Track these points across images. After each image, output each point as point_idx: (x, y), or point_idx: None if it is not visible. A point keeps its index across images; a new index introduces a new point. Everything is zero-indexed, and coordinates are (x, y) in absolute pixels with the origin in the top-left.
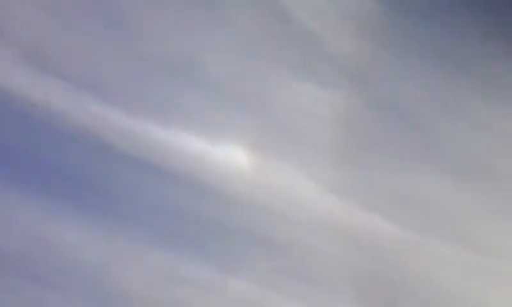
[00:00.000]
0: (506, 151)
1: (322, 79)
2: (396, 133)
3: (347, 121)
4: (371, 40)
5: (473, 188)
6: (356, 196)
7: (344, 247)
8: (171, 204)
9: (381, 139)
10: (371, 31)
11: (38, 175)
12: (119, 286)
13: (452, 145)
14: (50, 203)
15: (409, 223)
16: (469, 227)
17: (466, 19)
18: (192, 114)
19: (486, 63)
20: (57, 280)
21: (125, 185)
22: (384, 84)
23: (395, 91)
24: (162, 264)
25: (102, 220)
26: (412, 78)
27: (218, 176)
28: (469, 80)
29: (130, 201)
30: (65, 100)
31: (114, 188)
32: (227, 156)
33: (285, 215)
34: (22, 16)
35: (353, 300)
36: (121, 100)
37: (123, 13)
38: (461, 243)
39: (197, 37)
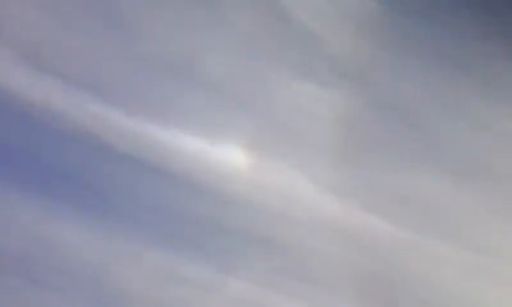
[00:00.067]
0: (506, 151)
1: (322, 79)
2: (396, 134)
3: (346, 121)
4: (371, 40)
5: (473, 188)
6: (356, 196)
7: (343, 247)
8: (170, 205)
9: (380, 139)
10: (371, 30)
11: (38, 175)
12: (117, 286)
13: (452, 145)
14: (49, 203)
15: (409, 223)
16: (469, 227)
17: (466, 19)
18: (192, 114)
19: (486, 63)
20: (57, 280)
21: (124, 185)
22: (384, 84)
23: (395, 91)
24: (161, 264)
25: (101, 221)
26: (412, 78)
27: (217, 176)
28: (469, 80)
29: (129, 201)
30: (64, 100)
31: (114, 188)
32: (227, 156)
33: (284, 215)
34: (22, 16)
35: (352, 300)
36: (121, 100)
37: (123, 13)
38: (460, 243)
39: (196, 37)
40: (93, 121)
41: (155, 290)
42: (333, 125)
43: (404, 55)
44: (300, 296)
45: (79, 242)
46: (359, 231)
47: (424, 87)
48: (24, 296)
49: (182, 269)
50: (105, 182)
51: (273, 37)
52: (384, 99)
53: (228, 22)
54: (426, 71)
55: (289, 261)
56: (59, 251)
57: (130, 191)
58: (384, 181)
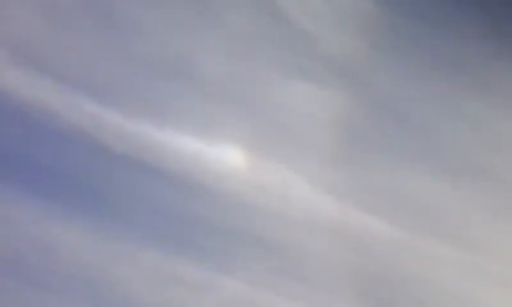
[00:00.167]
0: (504, 152)
1: (318, 79)
2: (393, 134)
3: (343, 121)
4: (369, 40)
5: (470, 189)
6: (353, 196)
7: (340, 248)
8: (167, 205)
9: (377, 139)
10: (368, 31)
11: (34, 176)
12: (115, 286)
13: (449, 145)
14: (46, 204)
15: (406, 223)
16: (468, 227)
17: (465, 19)
18: (189, 115)
19: (484, 63)
20: (54, 281)
21: (122, 186)
22: (381, 85)
23: (392, 92)
24: (158, 264)
25: (98, 221)
26: (409, 79)
27: (214, 177)
28: (466, 81)
29: (126, 202)
30: (61, 100)
31: (111, 188)
32: (223, 156)
33: (281, 216)
34: (19, 16)
35: (349, 300)
36: (118, 101)
37: (120, 14)
38: (458, 243)
39: (193, 38)
40: (90, 122)
41: (151, 290)
42: (329, 126)
43: (401, 55)
44: (297, 296)
45: (76, 242)
46: (356, 231)
47: (420, 87)
48: (21, 297)
49: (179, 269)
50: (102, 182)
51: (270, 37)
52: (381, 99)
53: (225, 23)
54: (423, 72)
55: (286, 261)
56: (55, 251)
57: (128, 191)
58: (381, 181)
